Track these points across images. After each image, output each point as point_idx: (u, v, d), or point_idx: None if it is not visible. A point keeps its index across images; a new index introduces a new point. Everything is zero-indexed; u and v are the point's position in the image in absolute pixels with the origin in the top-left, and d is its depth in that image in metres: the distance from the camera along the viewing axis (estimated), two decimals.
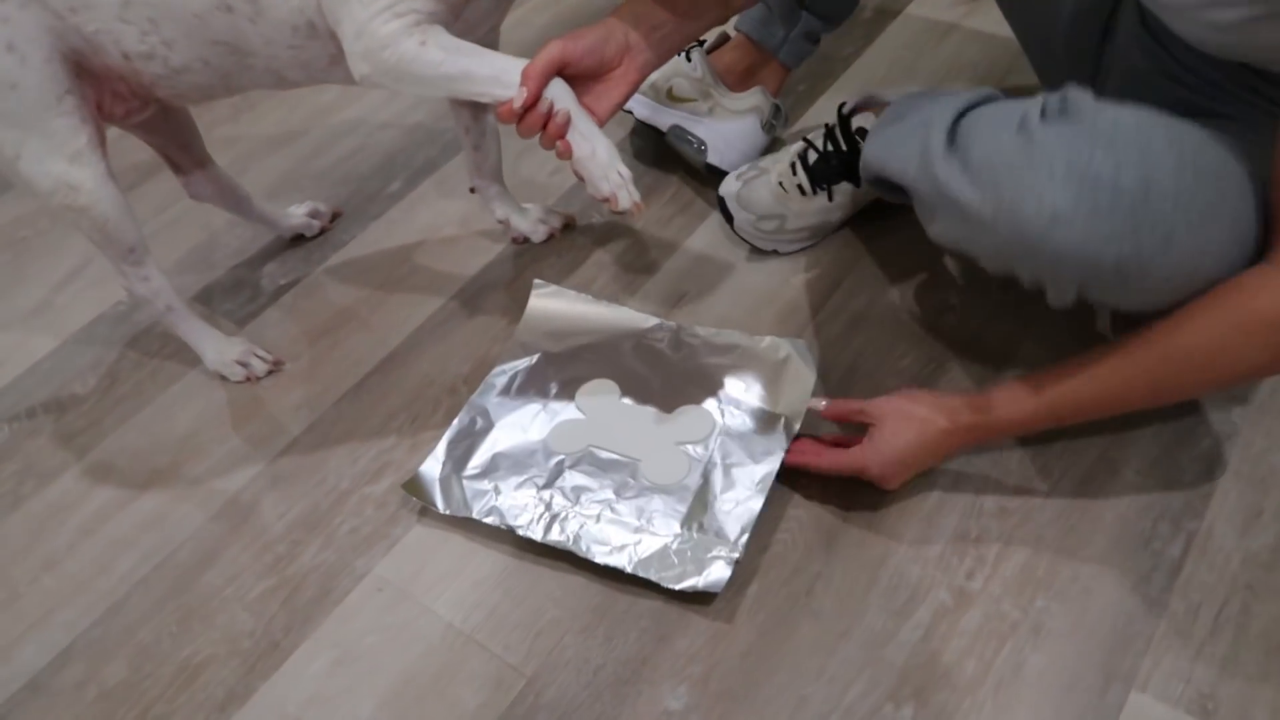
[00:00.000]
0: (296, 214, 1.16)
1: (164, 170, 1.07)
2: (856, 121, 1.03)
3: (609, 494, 0.86)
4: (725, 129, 1.11)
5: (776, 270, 1.07)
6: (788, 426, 0.88)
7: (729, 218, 1.07)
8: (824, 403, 0.87)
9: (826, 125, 1.04)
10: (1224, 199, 0.69)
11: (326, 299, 1.10)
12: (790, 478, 0.87)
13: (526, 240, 1.12)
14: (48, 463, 0.97)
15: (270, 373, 1.02)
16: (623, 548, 0.82)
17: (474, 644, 0.79)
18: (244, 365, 1.01)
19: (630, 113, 1.15)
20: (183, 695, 0.79)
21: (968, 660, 0.76)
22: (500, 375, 0.96)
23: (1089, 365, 0.74)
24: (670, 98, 1.13)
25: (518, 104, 0.75)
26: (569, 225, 1.14)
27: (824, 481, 0.87)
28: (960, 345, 0.97)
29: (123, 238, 0.89)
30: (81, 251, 1.19)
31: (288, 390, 1.01)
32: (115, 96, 0.87)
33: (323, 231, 1.18)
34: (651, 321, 1.00)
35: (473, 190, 1.10)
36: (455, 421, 0.92)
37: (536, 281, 1.03)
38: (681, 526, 0.83)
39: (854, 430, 0.85)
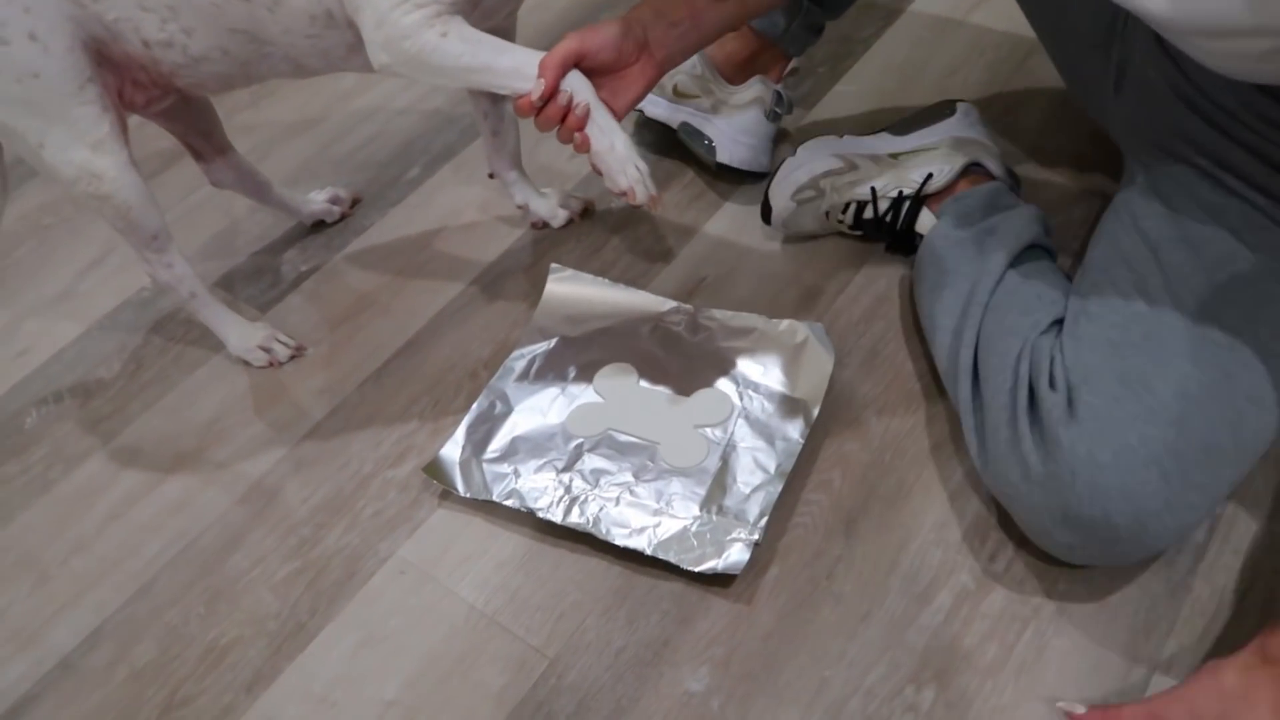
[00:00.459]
0: (317, 200, 1.17)
1: (185, 157, 1.08)
2: (922, 220, 0.99)
3: (628, 477, 0.86)
4: (731, 125, 1.11)
5: (795, 254, 1.06)
6: (806, 410, 0.88)
7: (766, 211, 1.06)
8: (1081, 708, 0.71)
9: (900, 193, 0.99)
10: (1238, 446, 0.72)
11: (347, 285, 1.10)
12: (809, 461, 0.87)
13: (545, 225, 1.12)
14: (75, 447, 0.98)
15: (292, 358, 1.03)
16: (642, 530, 0.82)
17: (496, 626, 0.80)
18: (267, 351, 1.02)
19: (641, 110, 1.16)
20: (210, 675, 0.80)
21: (989, 643, 0.75)
22: (519, 359, 0.97)
23: None
24: (676, 94, 1.13)
25: (535, 95, 0.75)
26: (588, 210, 1.14)
27: (845, 466, 0.87)
28: None
29: (146, 225, 0.90)
30: (105, 238, 1.20)
31: (310, 375, 1.02)
32: (136, 85, 0.88)
33: (343, 217, 1.18)
34: (669, 305, 1.00)
35: (491, 176, 1.10)
36: (475, 405, 0.93)
37: (554, 266, 1.03)
38: (701, 509, 0.83)
39: None
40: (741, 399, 0.91)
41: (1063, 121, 1.16)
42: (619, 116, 0.80)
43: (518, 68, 0.76)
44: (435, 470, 0.89)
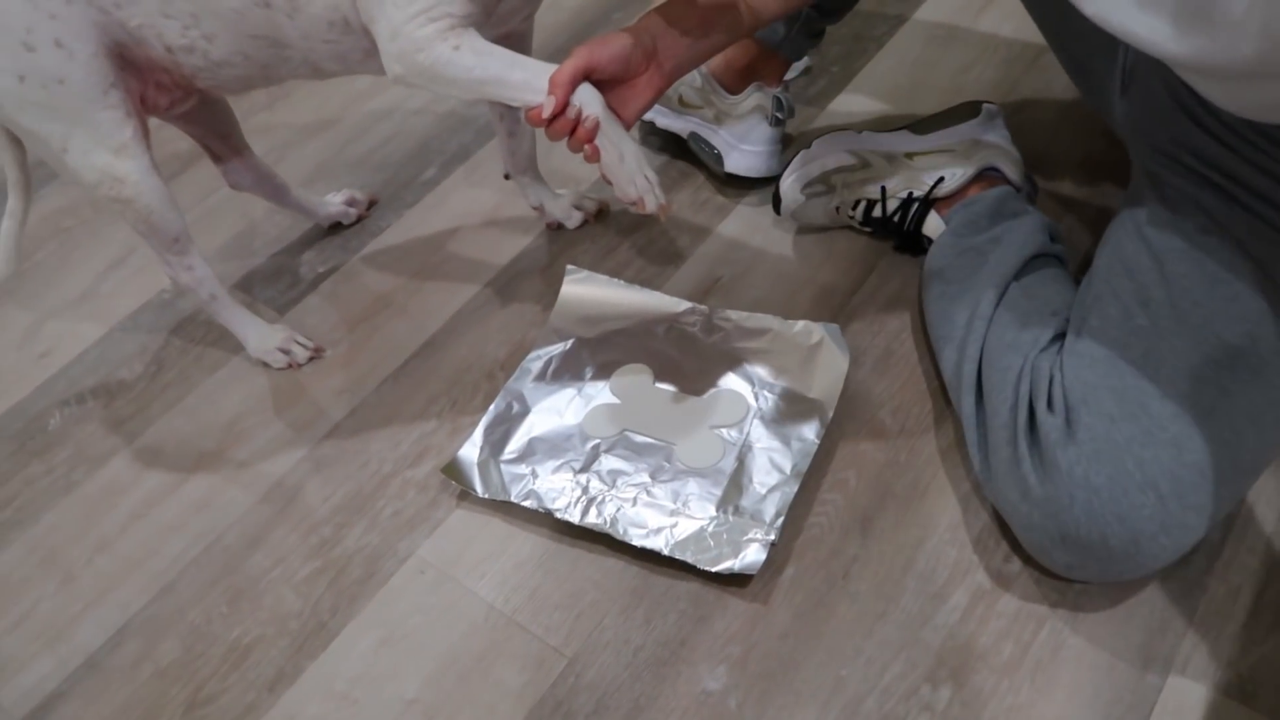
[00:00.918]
0: (334, 202, 1.18)
1: (203, 159, 1.09)
2: (929, 223, 0.99)
3: (645, 477, 0.87)
4: (734, 135, 1.12)
5: (810, 254, 1.07)
6: (821, 411, 0.89)
7: (776, 201, 1.07)
8: None
9: (910, 195, 1.00)
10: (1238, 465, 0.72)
11: (365, 286, 1.11)
12: (825, 461, 0.88)
13: (560, 226, 1.13)
14: (98, 448, 1.00)
15: (311, 359, 1.04)
16: (659, 530, 0.83)
17: (515, 625, 0.81)
18: (286, 352, 1.03)
19: (651, 121, 1.17)
20: (234, 674, 0.81)
21: (1005, 642, 0.76)
22: (535, 360, 0.98)
23: None
24: (682, 104, 1.14)
25: (546, 112, 0.76)
26: (602, 211, 1.14)
27: (860, 465, 0.88)
28: None
29: (167, 228, 0.91)
30: (125, 240, 1.22)
31: (329, 376, 1.03)
32: (158, 88, 0.89)
33: (359, 219, 1.19)
34: (684, 305, 1.00)
35: (507, 177, 1.11)
36: (492, 406, 0.94)
37: (569, 267, 1.03)
38: (717, 509, 0.84)
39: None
40: (757, 399, 0.91)
41: (1074, 122, 1.16)
42: (627, 126, 0.81)
43: (529, 81, 0.77)
44: (454, 471, 0.89)
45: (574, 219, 1.13)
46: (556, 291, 1.02)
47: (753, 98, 1.10)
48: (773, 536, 0.81)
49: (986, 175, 0.99)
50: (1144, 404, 0.72)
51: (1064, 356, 0.78)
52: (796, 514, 0.84)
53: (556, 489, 0.87)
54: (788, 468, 0.86)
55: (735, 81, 1.12)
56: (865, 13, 1.35)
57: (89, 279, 1.19)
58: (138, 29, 0.82)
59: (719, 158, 1.12)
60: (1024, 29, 1.29)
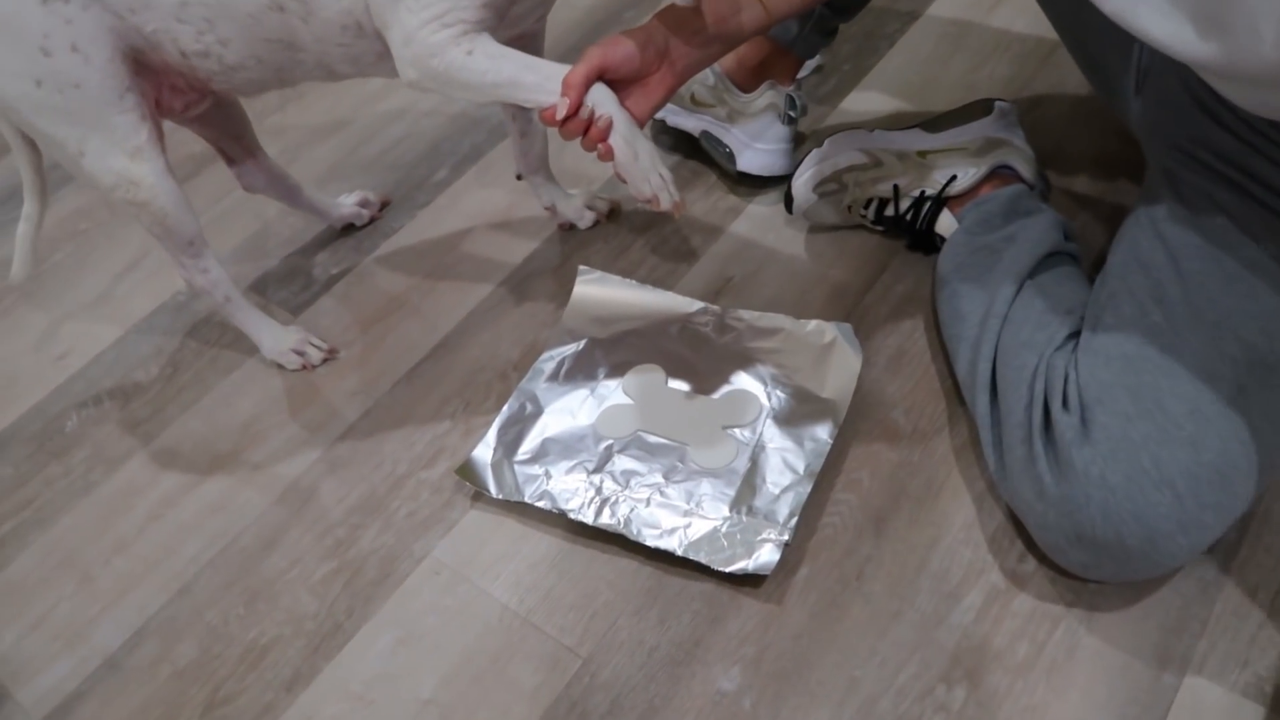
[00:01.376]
0: (346, 203, 1.18)
1: (217, 162, 1.10)
2: (942, 222, 0.99)
3: (658, 478, 0.87)
4: (747, 133, 1.11)
5: (822, 254, 1.07)
6: (834, 411, 0.89)
7: (788, 200, 1.07)
8: None
9: (923, 193, 1.00)
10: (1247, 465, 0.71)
11: (378, 287, 1.12)
12: (839, 461, 0.88)
13: (572, 226, 1.13)
14: (115, 449, 1.00)
15: (325, 360, 1.04)
16: (673, 531, 0.83)
17: (530, 625, 0.81)
18: (300, 354, 1.03)
19: (663, 119, 1.17)
20: (251, 675, 0.82)
21: (1020, 642, 0.76)
22: (548, 361, 0.98)
23: None
24: (695, 103, 1.14)
25: (561, 113, 0.76)
26: (614, 211, 1.14)
27: (873, 465, 0.88)
28: None
29: (182, 230, 0.92)
30: (140, 242, 1.22)
31: (343, 377, 1.03)
32: (173, 91, 0.90)
33: (372, 220, 1.20)
34: (696, 305, 1.00)
35: (519, 177, 1.11)
36: (505, 407, 0.94)
37: (581, 268, 1.04)
38: (730, 510, 0.84)
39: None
40: (770, 399, 0.91)
41: (1088, 119, 1.16)
42: (641, 124, 0.81)
43: (542, 83, 0.77)
44: (467, 472, 0.90)
45: (586, 219, 1.13)
46: (569, 292, 1.02)
47: (766, 96, 1.10)
48: (786, 537, 0.81)
49: (1000, 173, 0.99)
50: (1160, 402, 0.71)
51: (1079, 355, 0.77)
52: (810, 514, 0.84)
53: (570, 489, 0.87)
54: (801, 468, 0.86)
55: (748, 80, 1.12)
56: (877, 10, 1.35)
57: (105, 281, 1.19)
58: (153, 34, 0.83)
59: (731, 156, 1.12)
60: (1037, 25, 1.28)
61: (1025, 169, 0.99)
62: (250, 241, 1.20)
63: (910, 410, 0.91)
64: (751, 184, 1.14)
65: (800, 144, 1.17)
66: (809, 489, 0.84)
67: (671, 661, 0.78)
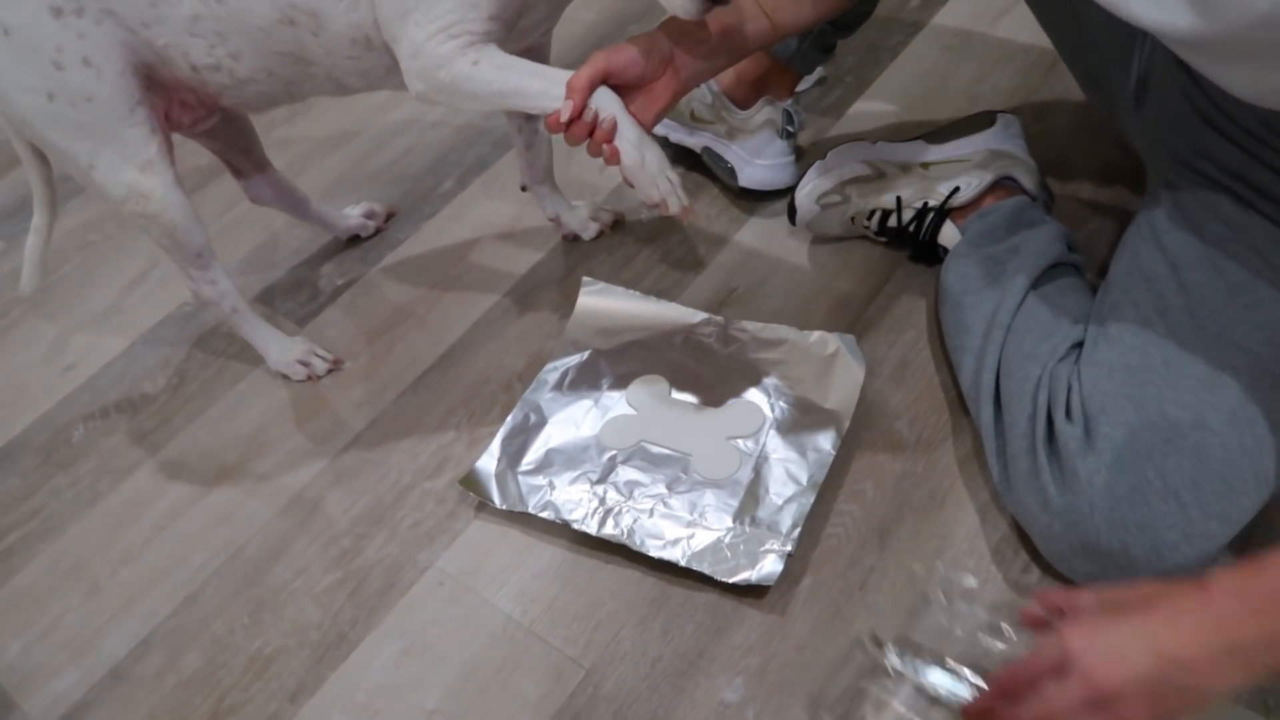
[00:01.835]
0: (353, 215, 1.19)
1: (224, 173, 1.11)
2: (945, 233, 1.00)
3: (661, 488, 0.87)
4: (746, 149, 1.12)
5: (825, 265, 1.07)
6: (838, 421, 0.89)
7: (792, 212, 1.07)
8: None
9: (925, 205, 1.00)
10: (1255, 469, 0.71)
11: (383, 298, 1.13)
12: (842, 471, 0.88)
13: (577, 238, 1.14)
14: (122, 460, 1.01)
15: (331, 371, 1.05)
16: (676, 541, 0.83)
17: (534, 636, 0.82)
18: (305, 365, 1.04)
19: (665, 137, 1.18)
20: (256, 684, 0.82)
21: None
22: (552, 372, 0.98)
23: None
24: (694, 120, 1.15)
25: (564, 116, 0.77)
26: (618, 222, 1.15)
27: (877, 476, 0.88)
28: None
29: (190, 242, 0.93)
30: (147, 254, 1.23)
31: (348, 388, 1.04)
32: (183, 106, 0.91)
33: (378, 231, 1.20)
34: (700, 316, 1.01)
35: (524, 189, 1.12)
36: (509, 418, 0.94)
37: (585, 279, 1.04)
38: (734, 520, 0.84)
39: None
40: (773, 410, 0.92)
41: (1091, 129, 1.16)
42: (647, 129, 0.81)
43: (547, 89, 0.78)
44: (472, 482, 0.90)
45: (590, 230, 1.13)
46: (573, 303, 1.03)
47: (763, 112, 1.11)
48: (789, 547, 0.81)
49: (1003, 185, 0.99)
50: (1164, 412, 0.71)
51: (1082, 366, 0.78)
52: (813, 525, 0.85)
53: (574, 500, 0.87)
54: (804, 478, 0.86)
55: (745, 96, 1.13)
56: (880, 21, 1.35)
57: (113, 293, 1.20)
58: (164, 48, 0.84)
59: (733, 172, 1.13)
60: (1040, 36, 1.27)
61: (1028, 180, 1.00)
62: (257, 253, 1.21)
63: (914, 421, 0.92)
64: (754, 197, 1.15)
65: (801, 157, 1.18)
66: (812, 500, 0.84)
67: (675, 672, 0.78)
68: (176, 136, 0.94)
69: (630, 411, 0.94)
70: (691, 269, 1.09)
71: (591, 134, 0.79)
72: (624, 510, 0.86)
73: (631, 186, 0.81)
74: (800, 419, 0.90)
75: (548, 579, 0.85)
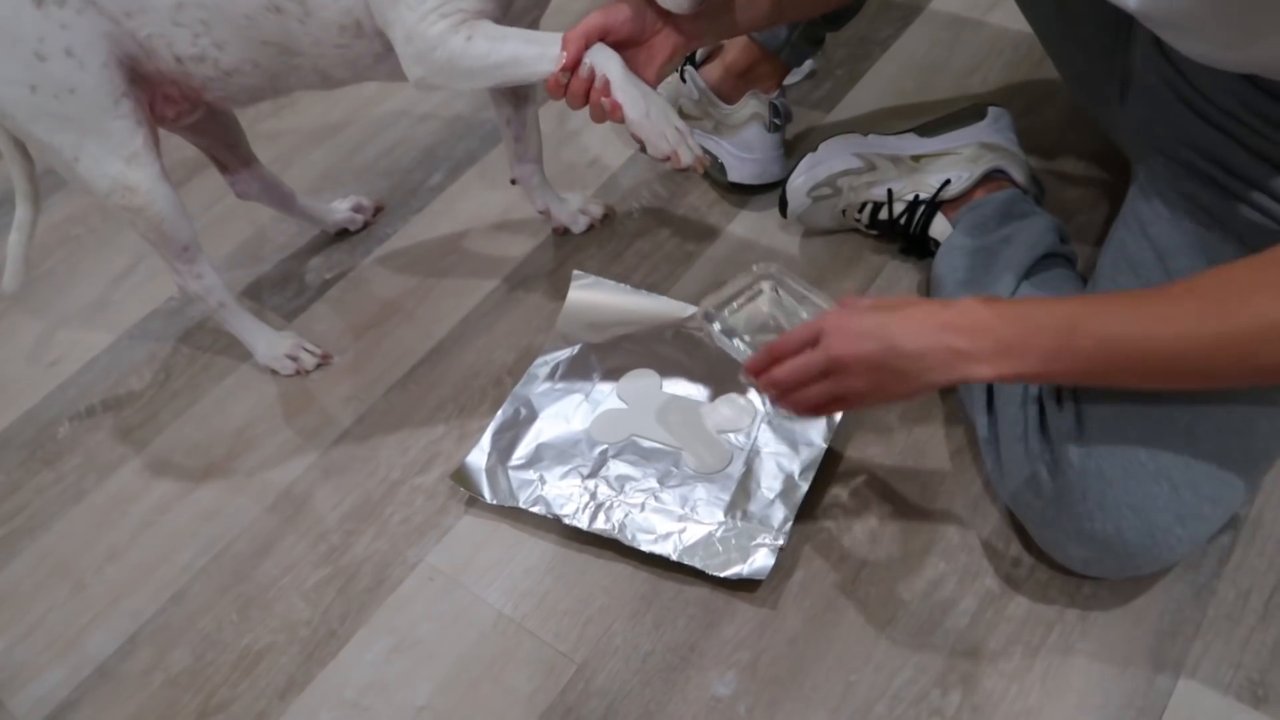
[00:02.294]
0: (340, 209, 1.18)
1: (210, 167, 1.09)
2: (936, 226, 0.99)
3: (653, 483, 0.87)
4: (734, 144, 1.12)
5: (817, 257, 1.07)
6: (830, 415, 0.89)
7: (783, 204, 1.07)
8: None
9: (916, 197, 1.00)
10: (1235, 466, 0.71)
11: (372, 292, 1.12)
12: (833, 465, 0.88)
13: (567, 231, 1.13)
14: (107, 456, 1.00)
15: (319, 366, 1.04)
16: (667, 536, 0.83)
17: (525, 631, 0.81)
18: (294, 359, 1.03)
19: None
20: (244, 682, 0.81)
21: (1014, 647, 0.76)
22: (542, 366, 0.98)
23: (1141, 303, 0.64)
24: (682, 116, 1.13)
25: (557, 67, 0.77)
26: (609, 215, 1.14)
27: (868, 470, 0.88)
28: None
29: (177, 236, 0.92)
30: (133, 248, 1.22)
31: (337, 383, 1.03)
32: (166, 100, 0.89)
33: (366, 225, 1.20)
34: (691, 310, 1.00)
35: (514, 182, 1.11)
36: (499, 412, 0.94)
37: (576, 273, 1.04)
38: (725, 514, 0.84)
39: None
40: (764, 404, 0.91)
41: (1081, 122, 1.16)
42: (651, 84, 0.81)
43: (543, 50, 0.78)
44: (462, 477, 0.90)
45: (580, 223, 1.13)
46: (563, 296, 1.02)
47: (749, 106, 1.10)
48: (781, 541, 0.81)
49: (993, 178, 0.99)
50: (1154, 394, 0.71)
51: None
52: (805, 519, 0.84)
53: (565, 495, 0.87)
54: (796, 472, 0.86)
55: (733, 89, 1.12)
56: (870, 14, 1.35)
57: (98, 287, 1.19)
58: (147, 39, 0.82)
59: (723, 168, 1.12)
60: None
61: (1019, 173, 1.00)
62: (244, 247, 1.20)
63: (904, 414, 0.92)
64: (745, 190, 1.14)
65: (791, 149, 1.17)
66: (804, 493, 0.84)
67: (666, 667, 0.78)
68: (161, 130, 0.93)
69: (621, 406, 0.94)
70: (682, 262, 1.09)
71: (591, 94, 0.78)
72: (615, 505, 0.85)
73: (639, 142, 0.80)
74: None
75: (539, 574, 0.85)
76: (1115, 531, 0.71)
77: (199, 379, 1.06)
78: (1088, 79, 0.94)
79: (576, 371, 0.97)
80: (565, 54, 0.76)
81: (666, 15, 0.81)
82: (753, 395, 0.92)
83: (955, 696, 0.74)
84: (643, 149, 0.81)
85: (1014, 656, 0.75)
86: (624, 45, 0.80)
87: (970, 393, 0.85)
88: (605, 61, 0.77)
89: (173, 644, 0.84)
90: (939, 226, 0.99)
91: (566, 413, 0.93)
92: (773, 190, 1.13)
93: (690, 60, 1.15)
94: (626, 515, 0.85)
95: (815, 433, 0.88)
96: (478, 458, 0.91)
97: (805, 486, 0.84)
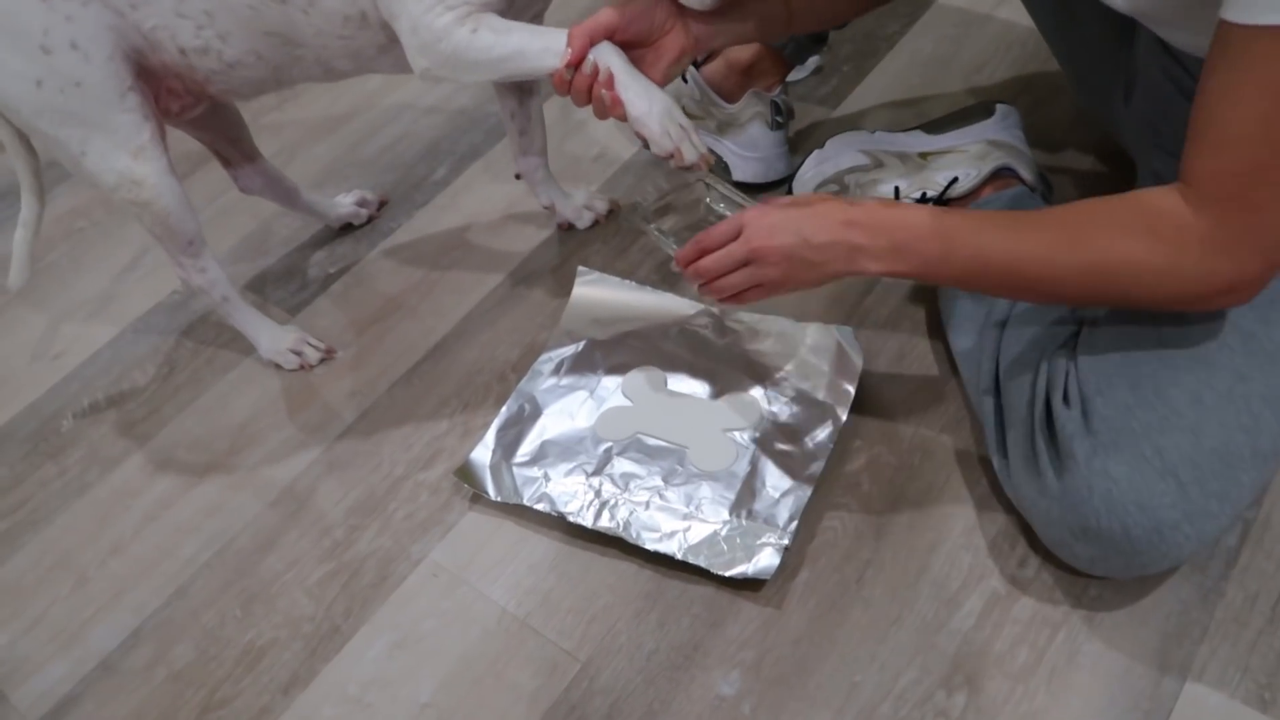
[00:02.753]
0: (344, 203, 1.18)
1: (213, 161, 1.09)
2: None
3: (657, 481, 0.87)
4: (738, 144, 1.12)
5: None
6: (834, 414, 0.88)
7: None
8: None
9: (924, 195, 0.99)
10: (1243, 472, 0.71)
11: (375, 287, 1.11)
12: (839, 464, 0.88)
13: (571, 226, 1.13)
14: (110, 450, 1.00)
15: (323, 360, 1.04)
16: (672, 534, 0.83)
17: (528, 629, 0.81)
18: (297, 354, 1.03)
19: None
20: (248, 677, 0.81)
21: (1020, 648, 0.76)
22: (547, 362, 0.97)
23: (1011, 226, 0.72)
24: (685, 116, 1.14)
25: (561, 63, 0.76)
26: (613, 211, 1.14)
27: (874, 469, 0.87)
28: None
29: (183, 230, 0.91)
30: (137, 241, 1.22)
31: (340, 378, 1.03)
32: (170, 93, 0.89)
33: (370, 219, 1.19)
34: (695, 307, 1.00)
35: (518, 176, 1.10)
36: (504, 409, 0.94)
37: (580, 269, 1.03)
38: (730, 513, 0.83)
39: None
40: (769, 402, 0.91)
41: (1089, 120, 1.15)
42: (660, 84, 0.80)
43: (548, 45, 0.77)
44: (466, 474, 0.89)
45: (585, 219, 1.12)
46: (568, 292, 1.02)
47: (751, 105, 1.10)
48: (786, 541, 0.80)
49: (1001, 175, 0.99)
50: (1160, 391, 0.71)
51: (1078, 350, 0.78)
52: (810, 518, 0.84)
53: (569, 492, 0.86)
54: (801, 471, 0.85)
55: (735, 86, 1.12)
56: (876, 9, 1.34)
57: (101, 280, 1.19)
58: (152, 31, 0.82)
59: (727, 168, 1.12)
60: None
61: (1026, 171, 0.99)
62: (247, 240, 1.20)
63: (911, 414, 0.91)
64: (750, 188, 1.14)
65: (797, 145, 1.17)
66: (809, 493, 0.83)
67: (671, 665, 0.78)
68: (166, 125, 0.93)
69: (626, 403, 0.93)
70: None
71: (593, 88, 0.78)
72: (620, 503, 0.85)
73: (642, 139, 0.80)
74: (797, 411, 0.90)
75: (543, 571, 0.84)
76: (1122, 529, 0.71)
77: (202, 373, 1.05)
78: (1092, 78, 0.94)
79: (581, 368, 0.97)
80: (570, 49, 0.76)
81: (677, 15, 0.80)
82: (757, 393, 0.92)
83: (960, 698, 0.74)
84: (646, 146, 0.81)
85: (1019, 657, 0.75)
86: (632, 45, 0.79)
87: (978, 392, 0.85)
88: (609, 58, 0.77)
89: (176, 639, 0.84)
90: None
91: (571, 409, 0.93)
92: (778, 187, 1.13)
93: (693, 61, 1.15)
94: (631, 513, 0.84)
95: (821, 431, 0.88)
96: (482, 454, 0.90)
97: (811, 486, 0.84)
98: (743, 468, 0.86)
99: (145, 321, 1.13)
